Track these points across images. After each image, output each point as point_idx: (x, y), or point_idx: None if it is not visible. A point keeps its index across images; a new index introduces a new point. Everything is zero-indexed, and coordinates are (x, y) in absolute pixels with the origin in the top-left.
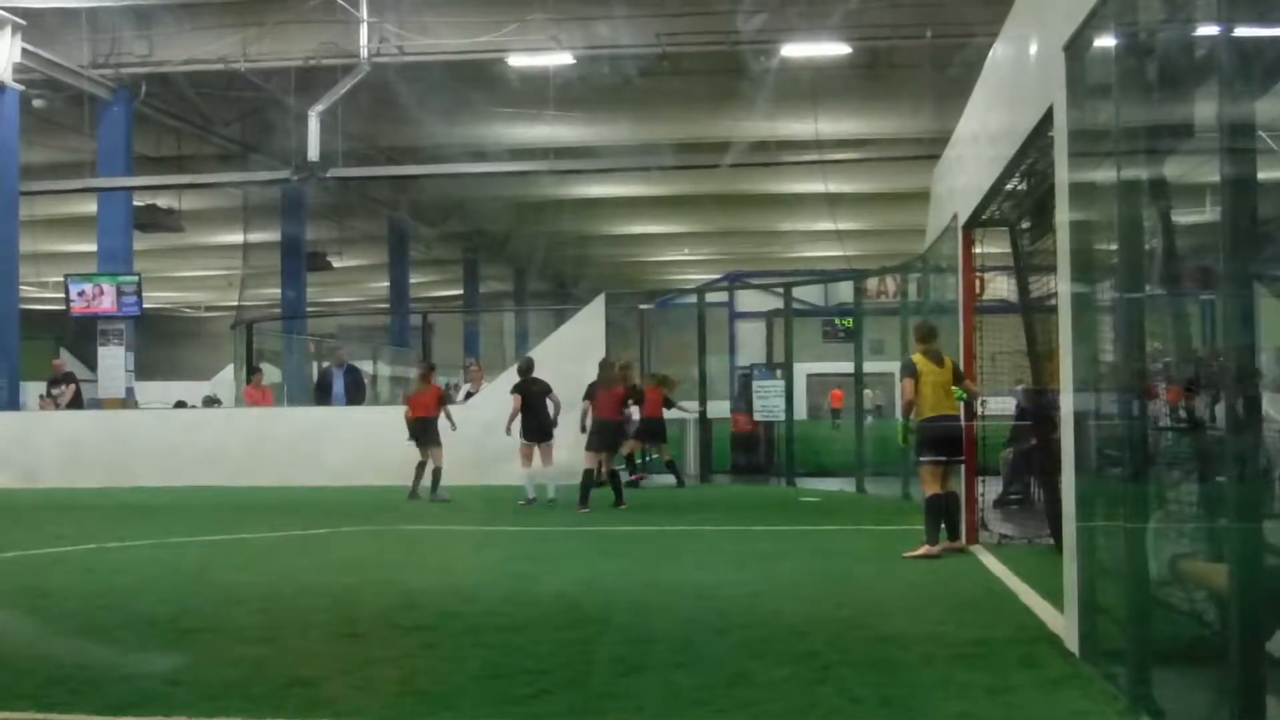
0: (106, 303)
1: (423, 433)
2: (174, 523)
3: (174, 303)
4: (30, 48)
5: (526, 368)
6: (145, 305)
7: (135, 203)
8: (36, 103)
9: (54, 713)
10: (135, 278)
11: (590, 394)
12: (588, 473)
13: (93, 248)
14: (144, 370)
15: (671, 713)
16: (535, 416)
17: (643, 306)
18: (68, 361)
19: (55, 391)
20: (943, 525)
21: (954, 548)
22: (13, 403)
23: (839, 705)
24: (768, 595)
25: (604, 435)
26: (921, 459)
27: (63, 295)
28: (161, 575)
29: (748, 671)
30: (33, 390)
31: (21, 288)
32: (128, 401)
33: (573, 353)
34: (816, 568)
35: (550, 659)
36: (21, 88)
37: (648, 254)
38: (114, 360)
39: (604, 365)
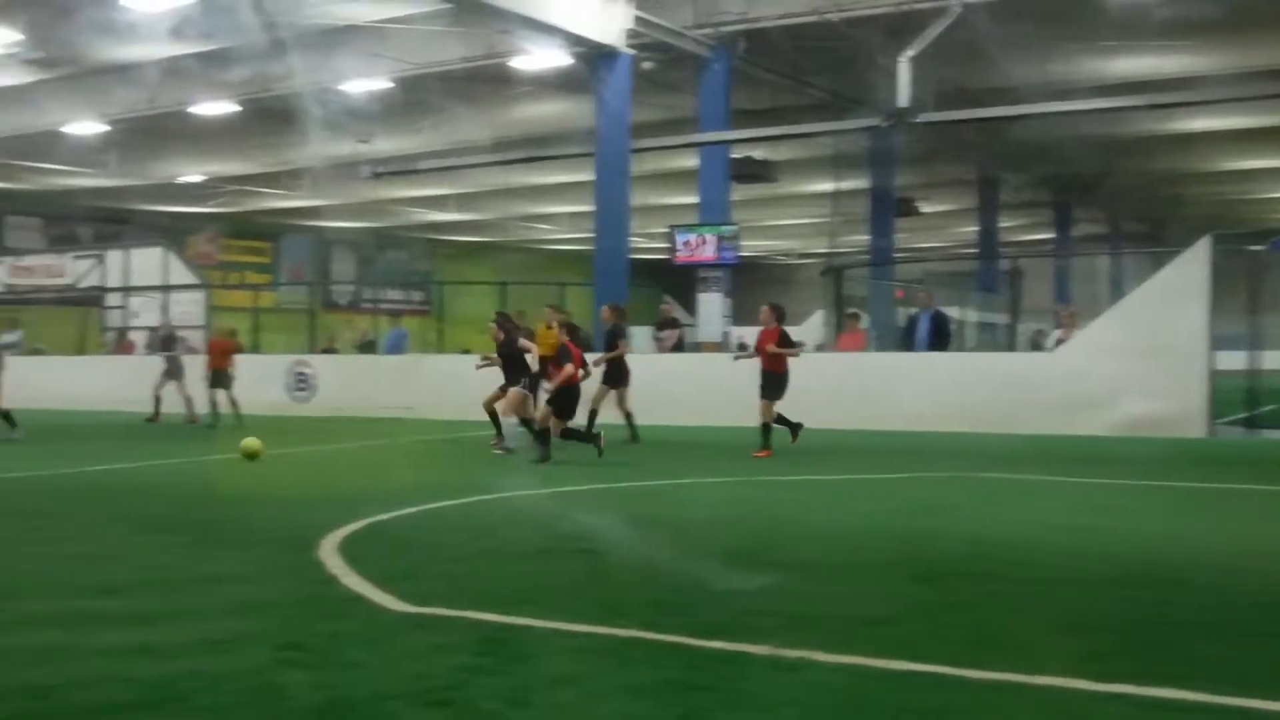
0: (708, 251)
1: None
2: (753, 463)
3: (766, 250)
4: (640, 14)
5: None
6: (740, 253)
7: (732, 155)
8: (645, 65)
9: (653, 632)
10: (735, 227)
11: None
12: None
13: (687, 200)
14: (738, 316)
15: (1258, 682)
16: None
17: (1253, 248)
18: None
19: (661, 335)
20: None
21: None
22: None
23: None
24: None
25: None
26: None
27: (659, 245)
28: (744, 511)
29: None
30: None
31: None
32: (723, 345)
33: (1171, 299)
34: None
35: (1122, 616)
36: (633, 52)
37: (1257, 191)
38: (713, 306)
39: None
